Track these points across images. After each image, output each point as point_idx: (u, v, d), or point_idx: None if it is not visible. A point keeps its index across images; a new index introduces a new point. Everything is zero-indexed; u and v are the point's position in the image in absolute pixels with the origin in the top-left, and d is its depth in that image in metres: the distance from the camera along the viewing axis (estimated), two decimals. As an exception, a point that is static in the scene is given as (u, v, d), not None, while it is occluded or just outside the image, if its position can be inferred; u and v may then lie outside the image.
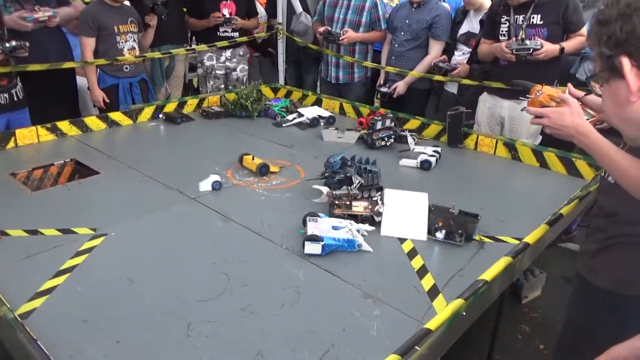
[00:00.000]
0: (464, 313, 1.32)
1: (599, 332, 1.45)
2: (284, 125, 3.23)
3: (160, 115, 3.35)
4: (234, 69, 4.29)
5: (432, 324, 1.23)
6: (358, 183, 2.10)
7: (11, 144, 2.71)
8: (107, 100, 3.45)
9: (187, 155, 2.74)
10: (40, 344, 1.18)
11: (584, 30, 2.75)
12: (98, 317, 1.39)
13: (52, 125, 2.87)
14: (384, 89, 3.70)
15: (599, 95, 1.05)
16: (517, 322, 2.57)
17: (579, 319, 1.57)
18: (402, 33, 3.60)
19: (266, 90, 3.96)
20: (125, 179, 2.36)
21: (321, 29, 3.79)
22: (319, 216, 1.86)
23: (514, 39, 2.77)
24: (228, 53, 4.22)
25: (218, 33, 4.10)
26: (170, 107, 3.42)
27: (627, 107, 0.78)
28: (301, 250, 1.73)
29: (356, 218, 1.91)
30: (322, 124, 3.24)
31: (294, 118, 3.28)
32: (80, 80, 3.69)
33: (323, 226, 1.78)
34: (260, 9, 4.58)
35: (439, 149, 2.67)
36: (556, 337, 1.70)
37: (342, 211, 1.93)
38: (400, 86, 3.63)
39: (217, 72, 4.25)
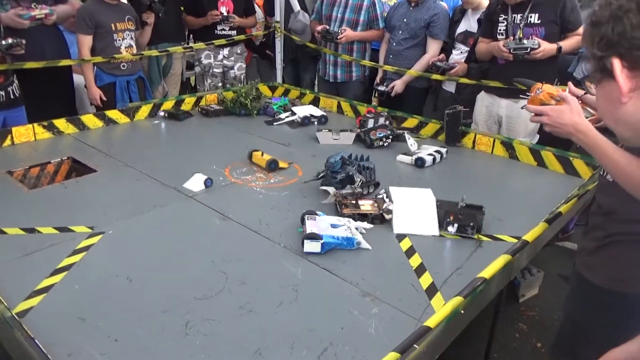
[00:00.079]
0: (462, 311, 1.32)
1: (596, 330, 1.45)
2: (274, 123, 3.22)
3: (162, 113, 3.34)
4: (232, 67, 4.28)
5: (431, 322, 1.23)
6: (360, 181, 2.11)
7: (7, 142, 2.70)
8: (104, 98, 3.44)
9: (184, 153, 2.74)
10: (37, 343, 1.17)
11: (582, 29, 2.76)
12: (96, 316, 1.38)
13: (48, 123, 2.86)
14: (381, 88, 3.70)
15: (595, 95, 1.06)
16: (515, 321, 2.58)
17: (576, 317, 1.57)
18: (400, 32, 3.60)
19: (264, 89, 3.95)
20: (122, 177, 2.35)
21: (319, 28, 3.79)
22: (317, 214, 1.86)
23: (512, 38, 2.78)
24: (226, 51, 4.21)
25: (216, 31, 4.09)
26: (167, 105, 3.41)
27: (619, 108, 0.78)
28: (299, 248, 1.73)
29: (366, 217, 1.92)
30: (315, 123, 3.24)
31: (287, 116, 3.27)
32: (77, 78, 3.68)
33: (322, 224, 1.78)
34: (258, 10, 4.57)
35: (443, 150, 2.65)
36: (553, 335, 1.70)
37: (351, 211, 1.93)
38: (398, 85, 3.63)
39: (215, 70, 4.24)
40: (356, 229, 1.80)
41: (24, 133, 2.76)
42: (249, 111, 3.38)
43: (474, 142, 2.87)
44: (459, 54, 3.44)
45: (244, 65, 4.39)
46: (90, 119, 3.05)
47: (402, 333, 1.28)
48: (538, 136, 2.95)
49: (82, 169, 2.48)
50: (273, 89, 4.07)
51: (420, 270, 1.64)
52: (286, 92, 3.94)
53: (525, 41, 2.70)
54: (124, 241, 1.80)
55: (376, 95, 3.89)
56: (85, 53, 3.33)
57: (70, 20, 3.49)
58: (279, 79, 4.58)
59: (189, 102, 3.52)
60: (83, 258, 1.66)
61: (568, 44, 2.75)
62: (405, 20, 3.57)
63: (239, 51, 4.29)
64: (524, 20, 2.78)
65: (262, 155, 2.50)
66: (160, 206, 2.06)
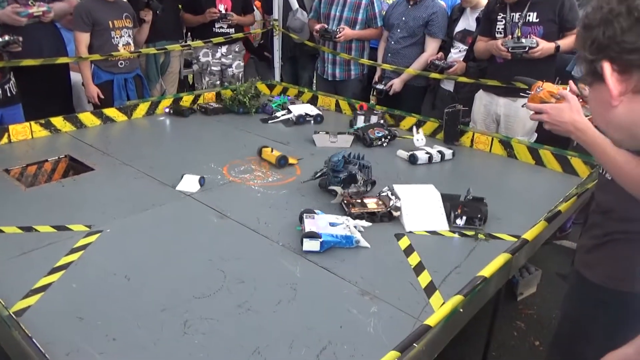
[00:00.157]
0: (461, 310, 1.32)
1: (594, 327, 1.46)
2: (270, 122, 3.21)
3: (167, 109, 3.34)
4: (230, 66, 4.27)
5: (431, 321, 1.23)
6: (362, 180, 2.11)
7: (4, 140, 2.69)
8: (102, 96, 3.42)
9: (182, 152, 2.73)
10: (35, 342, 1.16)
11: (579, 28, 2.76)
12: (94, 315, 1.38)
13: (45, 121, 2.84)
14: (380, 86, 3.70)
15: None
16: (513, 319, 2.59)
17: (574, 315, 1.58)
18: (399, 30, 3.60)
19: (262, 87, 3.95)
20: (120, 176, 2.34)
21: (317, 27, 3.78)
22: (315, 213, 1.86)
23: (510, 36, 2.78)
24: (224, 49, 4.20)
25: (214, 29, 4.07)
26: (165, 104, 3.40)
27: (610, 111, 0.78)
28: (298, 247, 1.73)
29: (375, 215, 1.92)
30: (311, 122, 3.23)
31: (282, 115, 3.27)
32: (75, 76, 3.66)
33: (320, 223, 1.78)
34: (255, 12, 4.56)
35: (448, 152, 2.63)
36: (551, 333, 1.71)
37: (359, 210, 1.93)
38: (396, 83, 3.63)
39: (213, 68, 4.23)
40: (355, 227, 1.80)
41: (21, 131, 2.75)
42: (247, 109, 3.38)
43: (472, 140, 2.87)
44: (457, 53, 3.44)
45: (242, 64, 4.38)
46: (87, 117, 3.04)
47: (400, 332, 1.29)
48: (536, 135, 2.95)
49: (79, 167, 2.47)
50: (271, 87, 4.07)
51: (419, 268, 1.64)
52: (284, 91, 3.93)
53: (523, 40, 2.70)
54: (122, 240, 1.79)
55: (374, 93, 3.88)
56: (83, 51, 3.32)
57: (67, 17, 3.47)
58: (277, 77, 4.57)
59: (187, 100, 3.51)
60: (81, 257, 1.66)
61: (566, 42, 2.75)
62: (403, 18, 3.57)
63: (237, 49, 4.28)
64: (523, 19, 2.78)
65: (272, 151, 2.51)
66: (158, 205, 2.05)
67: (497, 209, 2.08)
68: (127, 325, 1.34)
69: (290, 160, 2.49)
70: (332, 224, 1.78)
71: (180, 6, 4.20)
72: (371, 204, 1.98)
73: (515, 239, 1.75)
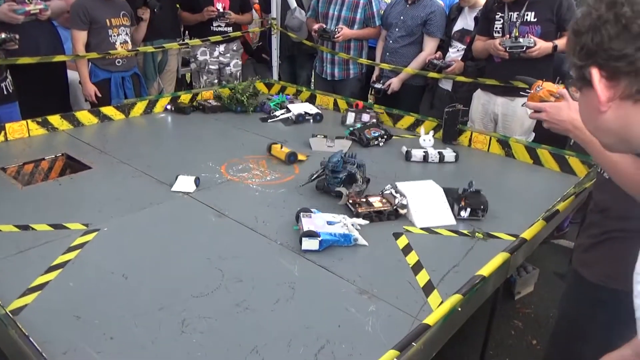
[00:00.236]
0: (460, 309, 1.32)
1: (591, 326, 1.46)
2: (269, 121, 3.21)
3: (169, 106, 3.33)
4: (228, 64, 4.26)
5: (430, 320, 1.23)
6: (361, 179, 2.11)
7: (1, 138, 2.68)
8: (99, 95, 3.41)
9: (180, 150, 2.72)
10: (32, 341, 1.16)
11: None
12: (91, 313, 1.37)
13: (42, 119, 2.83)
14: (378, 85, 3.70)
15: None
16: (510, 318, 2.59)
17: (572, 314, 1.58)
18: (397, 29, 3.60)
19: (260, 86, 3.94)
20: (117, 174, 2.33)
21: (316, 27, 3.77)
22: (311, 211, 1.85)
23: (508, 36, 2.78)
24: (221, 48, 4.19)
25: (211, 27, 4.07)
26: (163, 102, 3.39)
27: (599, 116, 0.79)
28: (296, 245, 1.72)
29: (382, 214, 1.93)
30: (310, 121, 3.23)
31: (282, 114, 3.26)
32: (72, 74, 3.65)
33: (318, 221, 1.77)
34: (254, 15, 4.56)
35: (451, 155, 2.60)
36: (549, 332, 1.71)
37: (366, 209, 1.93)
38: (395, 83, 3.63)
39: (211, 67, 4.22)
40: (352, 225, 1.80)
41: (18, 129, 2.74)
42: (245, 108, 3.37)
43: (470, 140, 2.88)
44: (455, 52, 3.44)
45: (240, 62, 4.37)
46: (84, 116, 3.03)
47: (399, 331, 1.29)
48: (534, 134, 2.96)
49: (76, 165, 2.46)
50: (269, 86, 4.06)
51: (417, 267, 1.64)
52: (282, 89, 3.93)
53: (521, 39, 2.70)
54: (120, 238, 1.79)
55: (372, 92, 3.88)
56: (80, 49, 3.31)
57: (64, 15, 3.46)
58: (275, 76, 4.56)
59: (184, 98, 3.50)
60: (78, 255, 1.65)
61: (564, 42, 2.75)
62: (402, 17, 3.57)
63: (235, 48, 4.27)
64: (521, 18, 2.78)
65: (282, 148, 2.53)
66: (155, 203, 2.05)
67: (495, 208, 2.08)
68: (124, 324, 1.34)
69: (300, 157, 2.50)
70: (329, 223, 1.78)
71: (177, 4, 4.19)
72: (376, 202, 1.98)
73: (513, 238, 1.75)
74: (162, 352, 1.25)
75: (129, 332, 1.31)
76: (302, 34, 4.32)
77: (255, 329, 1.34)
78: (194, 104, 3.47)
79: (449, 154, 2.60)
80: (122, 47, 3.44)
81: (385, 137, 2.85)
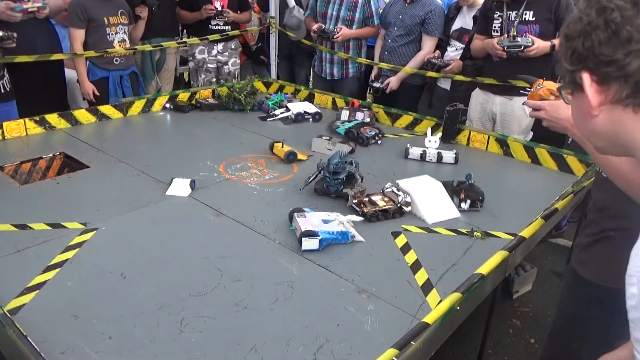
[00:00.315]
0: (458, 308, 1.32)
1: (588, 325, 1.46)
2: (268, 119, 3.20)
3: (167, 104, 3.33)
4: (226, 63, 4.25)
5: (429, 318, 1.23)
6: (360, 178, 2.11)
7: (-2, 137, 2.67)
8: (97, 93, 3.40)
9: (178, 149, 2.72)
10: (30, 340, 1.15)
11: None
12: (89, 313, 1.37)
13: (40, 118, 2.82)
14: (376, 84, 3.70)
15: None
16: (509, 317, 2.59)
17: (569, 312, 1.58)
18: (395, 28, 3.60)
19: (258, 85, 3.93)
20: (115, 173, 2.33)
21: (315, 27, 3.76)
22: (305, 211, 1.85)
23: (506, 35, 2.78)
24: (220, 46, 4.18)
25: (210, 26, 4.05)
26: (161, 101, 3.38)
27: (591, 120, 0.80)
28: (295, 245, 1.72)
29: (387, 212, 1.93)
30: (310, 120, 3.22)
31: (281, 113, 3.26)
32: (69, 73, 3.63)
33: (313, 220, 1.78)
34: (254, 18, 4.55)
35: (450, 156, 2.58)
36: (547, 331, 1.72)
37: (371, 208, 1.93)
38: (393, 82, 3.62)
39: (209, 65, 4.21)
40: (347, 222, 1.81)
41: (15, 128, 2.73)
42: (242, 106, 3.37)
43: (468, 139, 2.88)
44: (454, 51, 3.44)
45: (238, 61, 4.36)
46: (82, 114, 3.02)
47: (397, 329, 1.29)
48: (532, 133, 2.96)
49: (74, 164, 2.46)
50: (267, 84, 4.06)
51: (415, 266, 1.64)
52: (281, 88, 3.92)
53: (519, 39, 2.70)
54: (118, 237, 1.78)
55: (371, 91, 3.88)
56: (78, 47, 3.29)
57: (62, 14, 3.44)
58: (274, 75, 4.56)
59: (183, 97, 3.50)
60: (76, 254, 1.65)
61: (562, 41, 2.75)
62: (400, 17, 3.56)
63: (233, 46, 4.26)
64: (519, 17, 2.78)
65: (282, 146, 2.52)
66: (154, 202, 2.04)
67: (493, 207, 2.09)
68: (123, 323, 1.34)
69: (300, 156, 2.49)
70: (325, 221, 1.78)
71: (176, 2, 4.17)
72: (379, 201, 1.99)
73: (512, 237, 1.75)
74: (161, 352, 1.25)
75: (128, 331, 1.31)
76: (301, 32, 4.31)
77: (254, 328, 1.34)
78: (193, 102, 3.47)
79: (448, 154, 2.58)
80: (120, 45, 3.43)
81: (380, 135, 2.86)
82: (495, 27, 2.89)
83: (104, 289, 1.49)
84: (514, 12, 2.79)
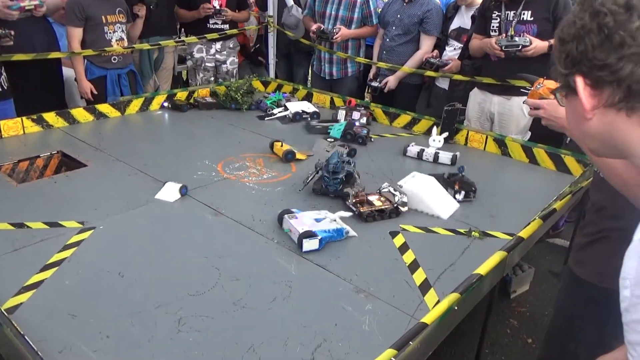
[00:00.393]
0: (456, 308, 1.32)
1: (585, 325, 1.47)
2: (266, 119, 3.20)
3: (166, 103, 3.33)
4: (224, 62, 4.25)
5: (427, 319, 1.23)
6: (358, 177, 2.11)
7: (-4, 136, 2.66)
8: (95, 92, 3.39)
9: (176, 148, 2.72)
10: (27, 339, 1.15)
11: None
12: (87, 312, 1.37)
13: (37, 116, 2.81)
14: (374, 84, 3.70)
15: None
16: (506, 317, 2.60)
17: (567, 312, 1.59)
18: (394, 28, 3.60)
19: (256, 84, 3.93)
20: (113, 172, 2.32)
21: (314, 27, 3.76)
22: (293, 212, 1.85)
23: (504, 35, 2.78)
24: (218, 45, 4.18)
25: (208, 25, 4.05)
26: (159, 100, 3.38)
27: (585, 123, 0.81)
28: (292, 244, 1.72)
29: (384, 212, 1.93)
30: (308, 119, 3.22)
31: (279, 112, 3.25)
32: (67, 71, 3.63)
33: (306, 220, 1.78)
34: (251, 17, 4.54)
35: (447, 157, 2.57)
36: (544, 331, 1.72)
37: (368, 209, 1.93)
38: (391, 81, 3.62)
39: (207, 64, 4.20)
40: (339, 218, 1.82)
41: (13, 126, 2.72)
42: (239, 105, 3.36)
43: (466, 138, 2.88)
44: (452, 51, 3.44)
45: (237, 60, 4.36)
46: (80, 113, 3.01)
47: (395, 329, 1.29)
48: (530, 133, 2.97)
49: (72, 163, 2.45)
50: (265, 84, 4.05)
51: (413, 266, 1.64)
52: (279, 87, 3.92)
53: (517, 38, 2.71)
54: (116, 237, 1.78)
55: (369, 91, 3.88)
56: (75, 46, 3.28)
57: (59, 12, 3.43)
58: (272, 74, 4.55)
59: (181, 96, 3.49)
60: (74, 253, 1.64)
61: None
62: (398, 16, 3.56)
63: (231, 45, 4.26)
64: (517, 17, 2.78)
65: (282, 145, 2.52)
66: (151, 201, 2.04)
67: (491, 207, 2.09)
68: (120, 322, 1.33)
69: (298, 156, 2.49)
70: (317, 220, 1.79)
71: (174, 1, 4.16)
72: (376, 201, 1.99)
73: (510, 237, 1.76)
74: (159, 351, 1.25)
75: (125, 330, 1.31)
76: (299, 32, 4.30)
77: (252, 327, 1.34)
78: (191, 101, 3.46)
79: (445, 155, 2.57)
80: (118, 44, 3.43)
81: (369, 131, 2.89)
82: (493, 26, 2.89)
83: (101, 288, 1.48)
84: (512, 12, 2.80)
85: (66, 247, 1.67)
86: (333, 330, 1.33)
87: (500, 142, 2.76)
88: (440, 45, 3.55)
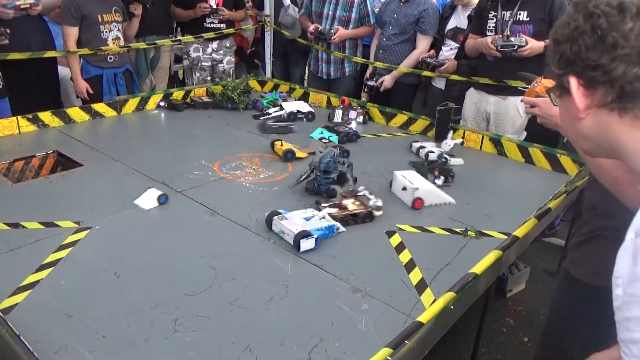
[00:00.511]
0: (452, 307, 1.33)
1: (580, 324, 1.47)
2: (261, 118, 3.20)
3: (162, 103, 3.32)
4: (221, 61, 4.24)
5: (423, 318, 1.24)
6: (352, 178, 2.11)
7: (-9, 135, 2.65)
8: (91, 91, 3.38)
9: (173, 148, 2.71)
10: (23, 340, 1.15)
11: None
12: (83, 312, 1.36)
13: (33, 116, 2.80)
14: (371, 83, 3.70)
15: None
16: (502, 315, 2.61)
17: (562, 312, 1.60)
18: (390, 27, 3.60)
19: (253, 83, 3.93)
20: (109, 172, 2.32)
21: (311, 28, 3.76)
22: (280, 212, 1.84)
23: (500, 35, 2.79)
24: (214, 45, 4.17)
25: (204, 24, 4.04)
26: (155, 99, 3.37)
27: (578, 123, 0.82)
28: (289, 244, 1.72)
29: (357, 217, 1.91)
30: (304, 119, 3.22)
31: (275, 111, 3.25)
32: (63, 71, 3.61)
33: (297, 220, 1.79)
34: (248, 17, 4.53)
35: (438, 153, 2.57)
36: (540, 329, 1.73)
37: (341, 212, 1.90)
38: (387, 80, 3.63)
39: (204, 63, 4.19)
40: (328, 215, 1.84)
41: (8, 126, 2.71)
42: (236, 105, 3.36)
43: (462, 138, 2.89)
44: (448, 51, 3.45)
45: (233, 59, 4.35)
46: (76, 112, 3.00)
47: (392, 329, 1.29)
48: (525, 133, 2.98)
49: (67, 163, 2.44)
50: (262, 83, 4.05)
51: (409, 266, 1.65)
52: (275, 87, 3.92)
53: (512, 38, 2.71)
54: (112, 236, 1.77)
55: (366, 90, 3.88)
56: (71, 45, 3.27)
57: (55, 11, 3.42)
58: (268, 74, 4.55)
59: (177, 95, 3.48)
60: (69, 253, 1.64)
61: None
62: (395, 16, 3.57)
63: (228, 45, 4.25)
64: (513, 17, 2.79)
65: (282, 145, 2.53)
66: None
67: (487, 206, 2.10)
68: (116, 322, 1.33)
69: (298, 154, 2.50)
70: (307, 219, 1.80)
71: (170, 0, 4.15)
72: (350, 205, 1.96)
73: (505, 236, 1.76)
74: (155, 351, 1.25)
75: (122, 330, 1.31)
76: (296, 31, 4.30)
77: (249, 327, 1.34)
78: (187, 101, 3.46)
79: (436, 151, 2.55)
80: (114, 43, 3.41)
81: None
82: (489, 26, 2.90)
83: (97, 288, 1.48)
84: (509, 12, 2.81)
85: (62, 247, 1.66)
86: (330, 330, 1.34)
87: (496, 142, 2.77)
88: (436, 45, 3.56)
